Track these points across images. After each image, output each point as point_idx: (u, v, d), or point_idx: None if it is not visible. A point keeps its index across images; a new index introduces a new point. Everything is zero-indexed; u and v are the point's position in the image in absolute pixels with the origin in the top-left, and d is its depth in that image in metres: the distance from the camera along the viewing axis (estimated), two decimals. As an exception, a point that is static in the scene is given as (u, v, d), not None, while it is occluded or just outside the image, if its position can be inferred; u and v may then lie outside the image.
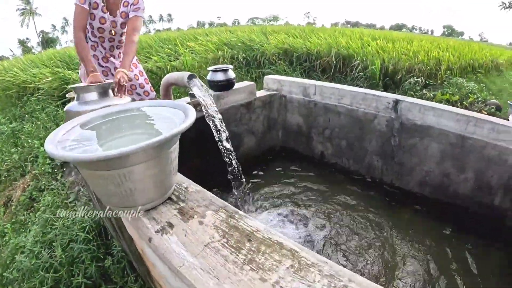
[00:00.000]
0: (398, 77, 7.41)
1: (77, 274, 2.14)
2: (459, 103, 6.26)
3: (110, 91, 2.30)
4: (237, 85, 3.50)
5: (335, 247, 2.62)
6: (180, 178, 1.78)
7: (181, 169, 1.80)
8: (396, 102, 3.06)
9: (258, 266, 1.16)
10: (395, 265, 2.43)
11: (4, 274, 2.36)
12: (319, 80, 6.69)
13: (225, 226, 1.37)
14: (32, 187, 3.87)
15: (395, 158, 3.21)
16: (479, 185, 2.76)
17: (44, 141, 1.37)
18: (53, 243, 2.40)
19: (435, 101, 4.32)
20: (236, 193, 2.93)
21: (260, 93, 3.86)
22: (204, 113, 2.60)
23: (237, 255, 1.21)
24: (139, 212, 1.48)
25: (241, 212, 1.46)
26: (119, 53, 3.16)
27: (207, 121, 2.60)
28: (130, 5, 2.87)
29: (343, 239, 2.70)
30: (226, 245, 1.26)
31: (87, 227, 2.43)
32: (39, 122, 5.43)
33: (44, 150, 1.47)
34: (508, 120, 2.71)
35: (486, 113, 5.48)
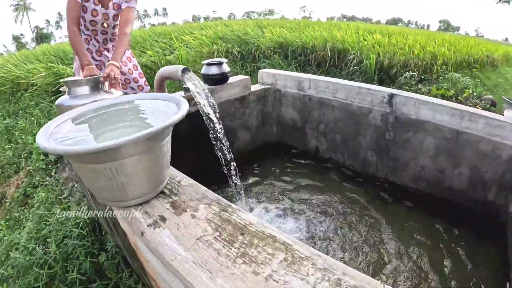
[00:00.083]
0: (393, 72, 7.39)
1: (71, 270, 2.13)
2: (454, 98, 6.25)
3: (103, 84, 2.28)
4: (231, 79, 3.49)
5: (329, 241, 2.62)
6: (173, 171, 1.77)
7: (177, 164, 1.79)
8: (391, 96, 3.05)
9: (251, 260, 1.15)
10: (389, 259, 2.43)
11: (-1, 271, 2.35)
12: (314, 74, 6.66)
13: (218, 219, 1.36)
14: (26, 183, 3.85)
15: (390, 153, 3.21)
16: (474, 180, 2.76)
17: (38, 136, 1.36)
18: (47, 240, 2.39)
19: (430, 96, 4.31)
20: (231, 189, 2.92)
21: (254, 87, 3.85)
22: (199, 108, 2.58)
23: (230, 249, 1.20)
24: (131, 206, 1.48)
25: (234, 206, 1.46)
26: (113, 46, 3.12)
27: (202, 114, 2.59)
28: None
29: (337, 234, 2.70)
30: (219, 238, 1.25)
31: (81, 223, 2.42)
32: (33, 118, 5.39)
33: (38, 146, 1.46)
34: (502, 115, 2.70)
35: (481, 108, 5.48)
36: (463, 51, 9.80)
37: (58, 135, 1.45)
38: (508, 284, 1.98)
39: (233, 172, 2.79)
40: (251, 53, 8.03)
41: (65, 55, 8.39)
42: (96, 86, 2.20)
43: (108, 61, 3.04)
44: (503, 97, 5.47)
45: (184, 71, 2.60)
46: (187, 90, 2.94)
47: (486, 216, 2.72)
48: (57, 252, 2.21)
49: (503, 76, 9.40)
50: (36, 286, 2.08)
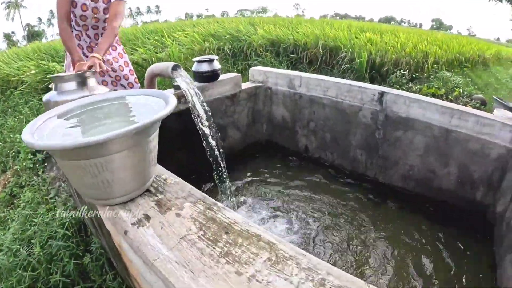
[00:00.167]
0: (385, 70, 7.41)
1: (55, 272, 2.10)
2: (444, 97, 6.27)
3: (90, 80, 2.25)
4: (222, 77, 3.47)
5: (316, 241, 2.62)
6: (159, 169, 1.76)
7: (166, 163, 1.78)
8: (382, 94, 3.05)
9: (235, 259, 1.13)
10: (376, 259, 2.43)
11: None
12: (306, 72, 6.66)
13: (203, 218, 1.34)
14: (13, 183, 3.81)
15: (379, 152, 3.21)
16: (462, 179, 2.76)
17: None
18: (32, 241, 2.36)
19: (421, 95, 4.32)
20: (220, 188, 2.91)
21: (245, 85, 3.83)
22: (189, 105, 2.57)
23: (214, 248, 1.19)
24: (116, 205, 1.46)
25: (219, 204, 1.44)
26: None
27: (192, 111, 2.57)
28: None
29: (325, 233, 2.69)
30: (203, 237, 1.24)
31: (67, 224, 2.39)
32: (22, 116, 5.35)
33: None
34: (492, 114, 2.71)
35: (471, 107, 5.50)
36: (454, 50, 9.83)
37: (45, 131, 1.43)
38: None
39: (223, 170, 2.78)
40: (242, 51, 8.01)
41: (56, 52, 8.34)
42: (83, 82, 2.17)
43: None
44: (493, 96, 5.51)
45: (174, 68, 2.59)
46: (177, 87, 2.92)
47: (474, 215, 2.73)
48: (41, 254, 2.18)
49: (494, 75, 9.46)
50: (18, 289, 2.06)
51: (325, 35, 8.26)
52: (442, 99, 5.76)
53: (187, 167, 2.94)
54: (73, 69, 2.49)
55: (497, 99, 4.62)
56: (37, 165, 3.96)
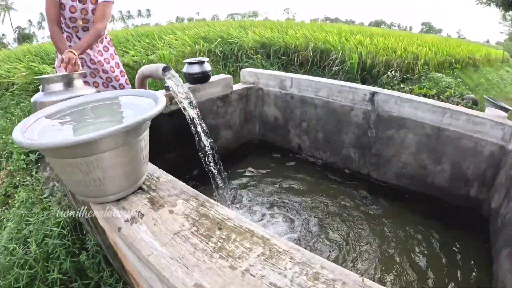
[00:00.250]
0: (376, 71, 7.45)
1: (52, 270, 2.09)
2: (436, 97, 6.31)
3: (77, 81, 2.24)
4: (213, 78, 3.48)
5: (310, 237, 2.62)
6: (152, 168, 1.76)
7: (158, 163, 1.78)
8: (373, 94, 3.07)
9: (228, 254, 1.14)
10: (370, 254, 2.45)
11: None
12: (297, 74, 6.68)
13: (196, 214, 1.35)
14: (6, 183, 3.79)
15: (372, 150, 3.23)
16: (456, 176, 2.79)
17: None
18: (28, 239, 2.35)
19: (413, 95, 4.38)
20: (214, 187, 2.91)
21: (237, 86, 3.84)
22: (180, 106, 2.57)
23: (207, 243, 1.19)
24: (109, 202, 1.46)
25: (212, 201, 1.45)
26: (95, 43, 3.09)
27: (183, 111, 2.57)
28: None
29: (319, 230, 2.70)
30: (196, 233, 1.24)
31: (62, 222, 2.38)
32: (13, 118, 5.30)
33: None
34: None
35: (463, 107, 5.55)
36: (445, 52, 9.93)
37: (35, 131, 1.43)
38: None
39: (214, 170, 2.78)
40: (233, 53, 8.01)
41: (46, 54, 8.30)
42: (69, 82, 2.17)
43: (90, 59, 3.01)
44: (484, 96, 5.55)
45: (165, 69, 2.59)
46: (168, 88, 2.92)
47: (469, 211, 2.76)
48: (38, 252, 2.17)
49: (484, 76, 9.56)
50: (17, 287, 2.04)
51: (316, 38, 8.29)
52: (434, 99, 5.82)
53: (180, 166, 2.94)
54: (65, 70, 2.48)
55: (488, 98, 4.66)
56: (30, 166, 3.94)
